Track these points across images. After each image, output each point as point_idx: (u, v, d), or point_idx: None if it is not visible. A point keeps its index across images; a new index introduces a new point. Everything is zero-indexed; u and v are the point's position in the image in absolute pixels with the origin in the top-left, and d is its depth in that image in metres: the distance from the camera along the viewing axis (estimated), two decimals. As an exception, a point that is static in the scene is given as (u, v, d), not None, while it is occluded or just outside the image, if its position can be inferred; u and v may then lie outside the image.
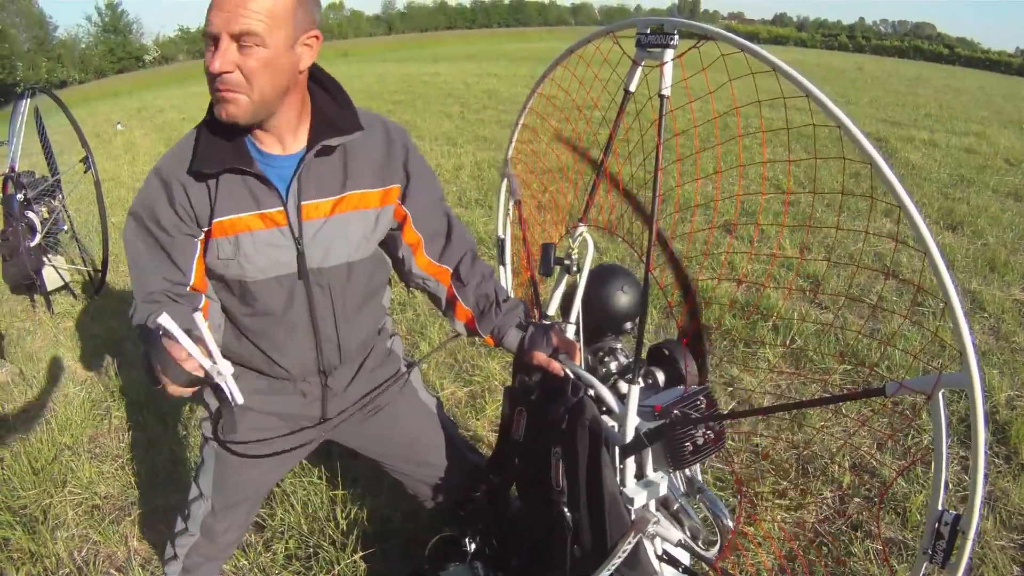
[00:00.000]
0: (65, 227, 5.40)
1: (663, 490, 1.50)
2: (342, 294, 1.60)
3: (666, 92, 1.35)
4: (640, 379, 1.45)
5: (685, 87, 1.43)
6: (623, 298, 1.78)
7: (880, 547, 2.55)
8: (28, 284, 5.04)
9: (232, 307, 1.61)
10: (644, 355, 1.72)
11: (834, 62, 33.20)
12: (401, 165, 1.59)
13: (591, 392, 1.53)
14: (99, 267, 5.24)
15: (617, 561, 1.38)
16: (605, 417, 1.53)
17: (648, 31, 1.39)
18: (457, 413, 3.43)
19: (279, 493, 2.84)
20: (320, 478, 2.90)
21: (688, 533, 1.54)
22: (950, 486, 2.76)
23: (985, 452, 0.97)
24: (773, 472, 2.92)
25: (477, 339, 1.82)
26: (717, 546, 1.56)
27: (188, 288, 1.51)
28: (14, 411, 3.74)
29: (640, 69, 1.50)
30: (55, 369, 4.17)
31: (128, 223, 1.53)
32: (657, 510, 1.54)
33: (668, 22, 1.35)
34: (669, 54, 1.35)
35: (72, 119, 4.90)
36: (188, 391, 1.28)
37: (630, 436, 1.44)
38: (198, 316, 1.23)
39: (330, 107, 1.50)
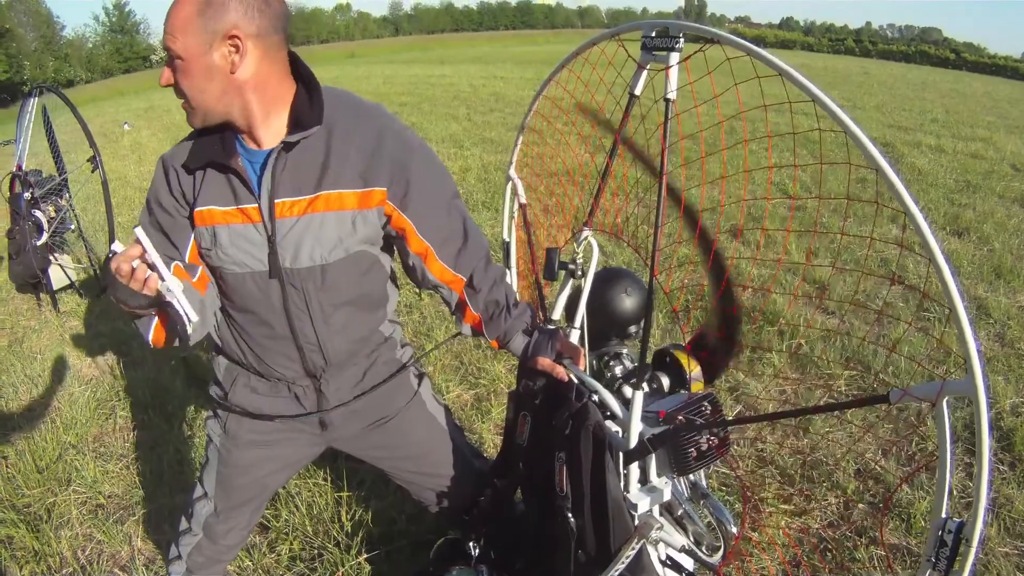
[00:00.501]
0: (72, 226, 5.42)
1: (667, 496, 1.50)
2: (317, 296, 1.58)
3: (671, 96, 1.35)
4: (645, 384, 1.45)
5: (691, 91, 1.43)
6: (627, 302, 1.78)
7: (884, 553, 2.54)
8: (34, 282, 5.06)
9: (223, 301, 1.65)
10: (649, 359, 1.72)
11: (840, 66, 33.20)
12: (390, 167, 1.54)
13: (595, 397, 1.53)
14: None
15: (621, 566, 1.38)
16: (609, 422, 1.53)
17: (653, 34, 1.39)
18: (463, 416, 3.43)
19: (284, 495, 2.84)
20: (325, 480, 2.91)
21: (692, 538, 1.54)
22: (955, 493, 2.75)
23: (990, 460, 0.96)
24: (779, 478, 2.91)
25: (482, 340, 1.81)
26: (721, 551, 1.56)
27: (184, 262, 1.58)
28: (19, 409, 3.75)
29: (645, 73, 1.49)
30: (60, 368, 4.18)
31: (143, 207, 1.64)
32: (661, 515, 1.54)
33: (673, 25, 1.35)
34: (674, 58, 1.35)
35: (80, 118, 4.92)
36: (145, 312, 1.46)
37: (634, 442, 1.44)
38: (139, 230, 1.34)
39: (303, 104, 1.50)
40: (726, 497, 2.77)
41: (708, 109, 1.59)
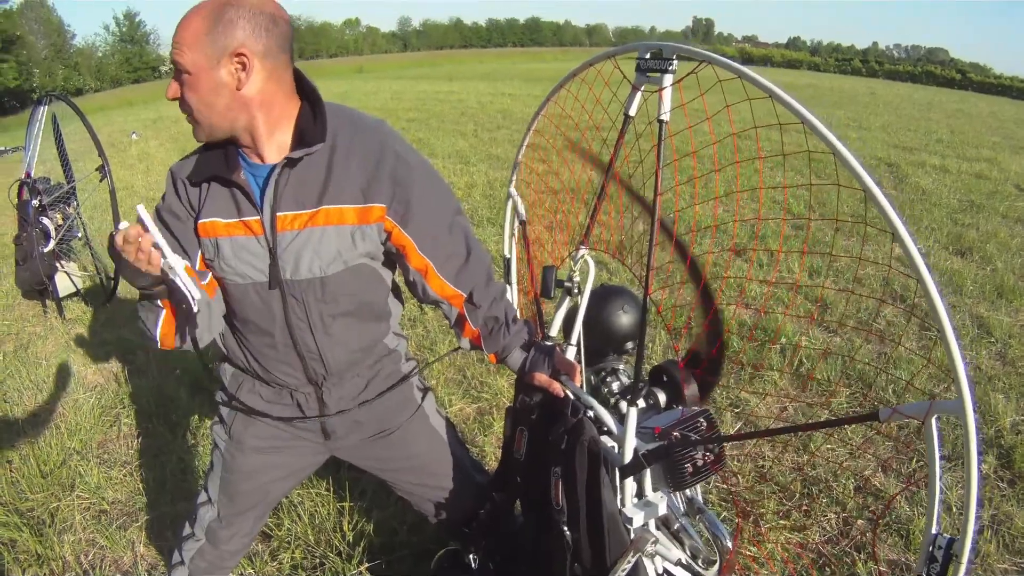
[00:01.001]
0: (79, 234, 5.45)
1: (662, 510, 1.51)
2: (317, 307, 1.61)
3: (665, 117, 1.37)
4: (641, 400, 1.46)
5: (684, 112, 1.45)
6: (624, 318, 1.80)
7: (881, 569, 2.55)
8: (40, 289, 5.09)
9: (227, 310, 1.68)
10: (646, 376, 1.74)
11: (847, 86, 33.26)
12: (391, 185, 1.56)
13: (591, 413, 1.55)
14: (111, 275, 5.28)
15: (616, 580, 1.39)
16: (605, 438, 1.54)
17: (648, 56, 1.41)
18: (465, 429, 3.45)
19: (286, 504, 2.86)
20: (328, 490, 2.93)
21: (689, 553, 1.55)
22: (953, 509, 2.76)
23: (979, 478, 0.98)
24: (778, 493, 2.92)
25: (482, 354, 1.83)
26: (716, 566, 1.57)
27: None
28: (24, 414, 3.78)
29: (640, 94, 1.52)
30: (65, 374, 4.20)
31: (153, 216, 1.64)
32: (658, 529, 1.55)
33: (667, 47, 1.37)
34: (668, 79, 1.37)
35: (89, 127, 4.95)
36: (150, 291, 1.49)
37: (628, 457, 1.45)
38: (141, 208, 1.37)
39: (307, 121, 1.53)
40: (724, 514, 2.78)
41: (704, 129, 1.62)
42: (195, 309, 1.49)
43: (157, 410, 3.68)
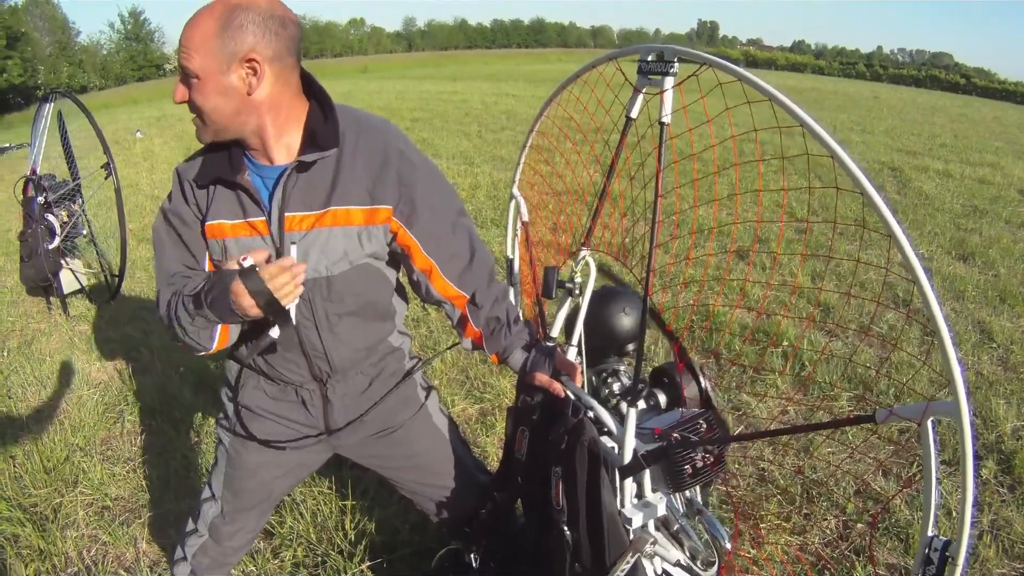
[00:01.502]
0: (84, 231, 5.46)
1: (661, 511, 1.52)
2: (323, 306, 1.62)
3: (666, 119, 1.38)
4: (641, 401, 1.47)
5: (685, 114, 1.46)
6: (625, 320, 1.80)
7: (879, 572, 2.56)
8: (45, 286, 5.12)
9: None
10: (646, 377, 1.75)
11: (851, 90, 33.23)
12: (397, 186, 1.58)
13: (591, 413, 1.56)
14: (116, 272, 5.31)
15: (616, 580, 1.40)
16: (605, 438, 1.55)
17: (649, 58, 1.42)
18: (467, 430, 3.46)
19: (288, 502, 2.87)
20: (330, 488, 2.94)
21: (687, 553, 1.56)
22: (953, 513, 2.77)
23: (974, 479, 0.99)
24: (778, 494, 2.93)
25: (484, 355, 1.84)
26: (715, 567, 1.57)
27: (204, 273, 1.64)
28: (27, 410, 3.80)
29: (641, 96, 1.52)
30: (69, 371, 4.23)
31: (158, 216, 1.67)
32: (658, 530, 1.56)
33: (668, 50, 1.38)
34: (669, 82, 1.38)
35: (95, 125, 4.98)
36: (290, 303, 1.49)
37: (628, 457, 1.46)
38: (293, 247, 1.51)
39: (318, 123, 1.54)
40: (727, 514, 2.79)
41: (705, 131, 1.63)
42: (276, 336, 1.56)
43: (160, 407, 3.70)
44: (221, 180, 1.54)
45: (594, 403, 1.56)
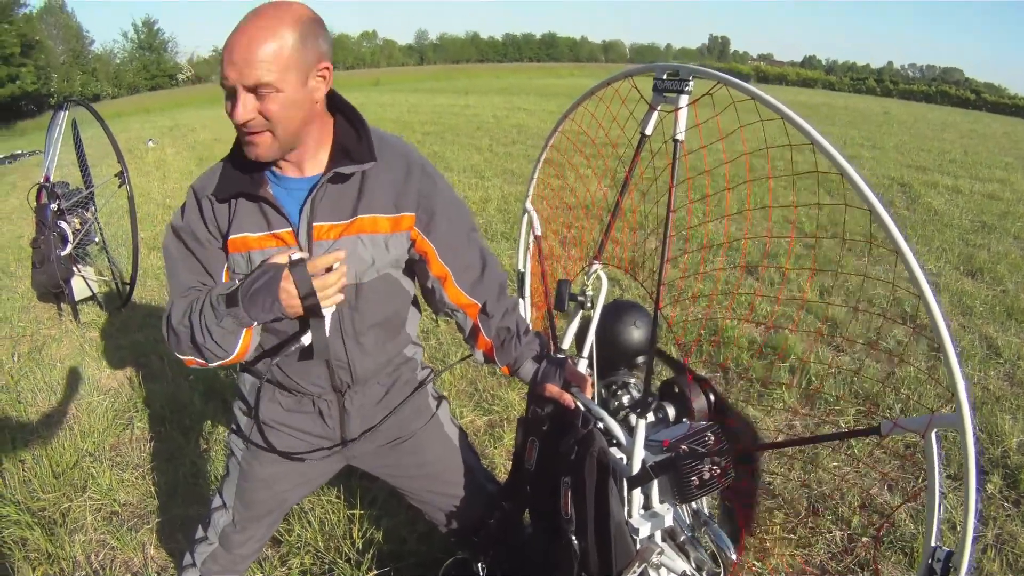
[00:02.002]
0: (96, 239, 5.52)
1: (668, 522, 1.53)
2: (350, 314, 1.64)
3: (680, 137, 1.40)
4: (650, 413, 1.48)
5: (699, 131, 1.48)
6: (635, 333, 1.82)
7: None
8: (56, 292, 5.16)
9: None
10: (656, 390, 1.77)
11: (861, 106, 33.23)
12: (417, 196, 1.61)
13: (600, 425, 1.57)
14: (127, 280, 5.35)
15: (623, 589, 1.42)
16: (614, 449, 1.57)
17: (664, 76, 1.45)
18: (476, 441, 3.47)
19: (297, 510, 2.89)
20: (338, 497, 2.96)
21: (693, 564, 1.57)
22: (957, 527, 2.76)
23: (977, 490, 1.00)
24: (783, 508, 2.93)
25: (494, 367, 1.86)
26: (721, 578, 1.59)
27: None
28: (37, 415, 3.83)
29: (656, 113, 1.55)
30: (79, 377, 4.25)
31: (167, 233, 1.66)
32: (664, 541, 1.57)
33: (684, 68, 1.40)
34: (684, 99, 1.40)
35: (110, 134, 5.03)
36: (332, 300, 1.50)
37: (636, 468, 1.48)
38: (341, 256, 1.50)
39: (349, 136, 1.56)
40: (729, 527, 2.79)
41: (718, 147, 1.65)
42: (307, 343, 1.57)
43: (170, 415, 3.72)
44: (243, 194, 1.55)
45: (604, 414, 1.58)
